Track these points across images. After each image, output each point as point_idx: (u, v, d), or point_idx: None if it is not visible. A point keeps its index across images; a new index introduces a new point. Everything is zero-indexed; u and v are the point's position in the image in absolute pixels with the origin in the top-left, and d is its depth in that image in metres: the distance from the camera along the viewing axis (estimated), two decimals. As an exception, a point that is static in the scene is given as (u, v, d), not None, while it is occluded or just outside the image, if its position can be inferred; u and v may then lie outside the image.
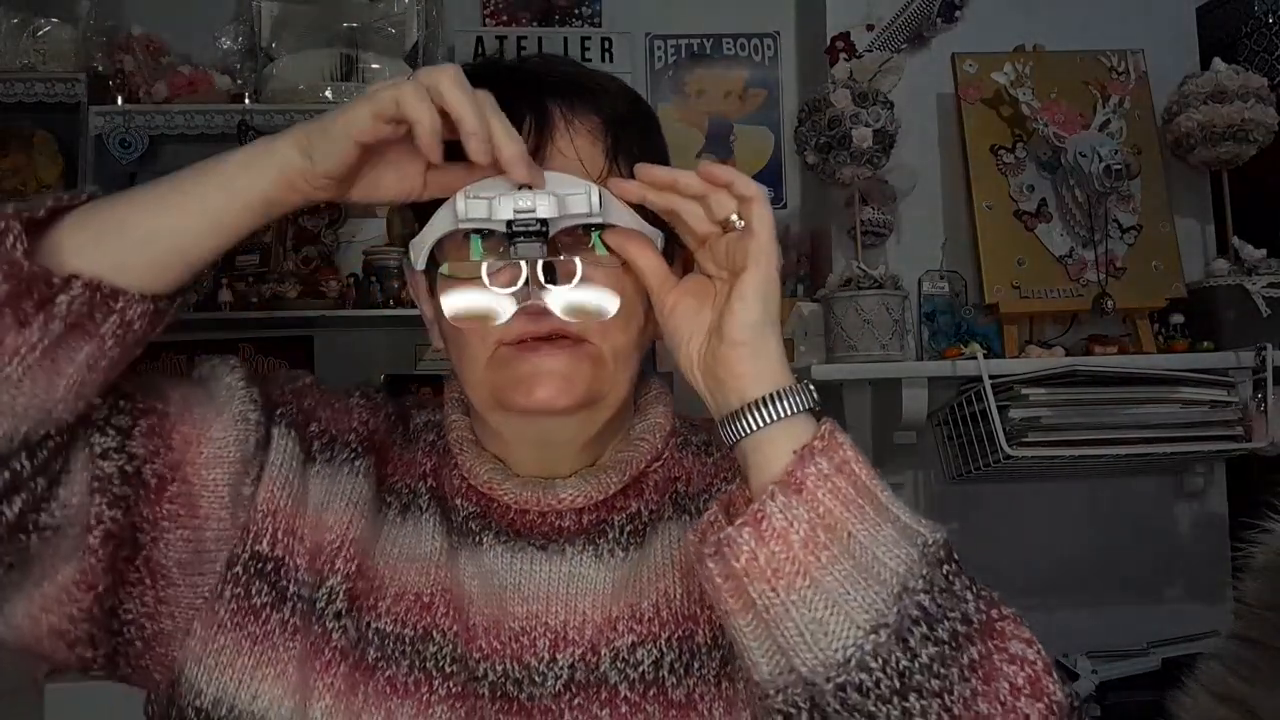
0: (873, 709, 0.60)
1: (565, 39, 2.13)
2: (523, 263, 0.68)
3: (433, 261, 0.74)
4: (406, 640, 0.73)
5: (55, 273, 0.62)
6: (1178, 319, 1.89)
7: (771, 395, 0.66)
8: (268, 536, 0.72)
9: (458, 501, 0.80)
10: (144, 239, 0.66)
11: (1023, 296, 1.87)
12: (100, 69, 1.94)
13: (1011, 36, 1.99)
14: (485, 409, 0.77)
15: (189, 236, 0.67)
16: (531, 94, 0.75)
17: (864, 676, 0.60)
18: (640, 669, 0.73)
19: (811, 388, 0.68)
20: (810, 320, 1.89)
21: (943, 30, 2.03)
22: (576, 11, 2.17)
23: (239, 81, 1.99)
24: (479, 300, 0.70)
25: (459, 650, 0.73)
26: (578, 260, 0.70)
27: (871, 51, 1.92)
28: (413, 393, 1.82)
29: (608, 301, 0.71)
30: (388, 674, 0.72)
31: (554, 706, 0.72)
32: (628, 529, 0.79)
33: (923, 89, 1.99)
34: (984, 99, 1.94)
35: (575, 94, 0.77)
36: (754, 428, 0.66)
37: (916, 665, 0.60)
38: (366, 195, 0.71)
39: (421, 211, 0.74)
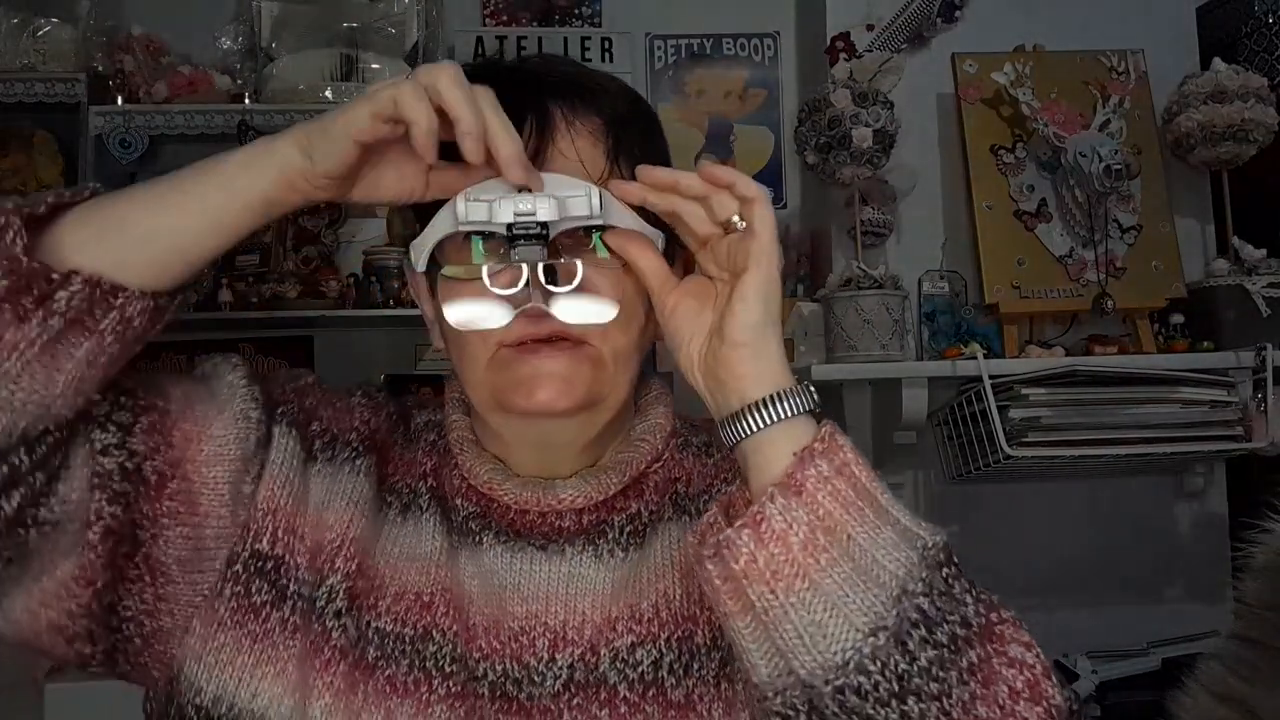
0: (871, 712, 0.60)
1: (565, 39, 2.13)
2: (523, 265, 0.68)
3: (433, 263, 0.74)
4: (406, 639, 0.73)
5: (55, 268, 0.62)
6: (1178, 319, 1.89)
7: (772, 396, 0.66)
8: (268, 535, 0.72)
9: (458, 501, 0.80)
10: (144, 237, 0.66)
11: (1023, 296, 1.87)
12: (100, 69, 1.94)
13: (1011, 36, 1.98)
14: (486, 410, 0.77)
15: (189, 235, 0.67)
16: (532, 95, 0.75)
17: (862, 679, 0.60)
18: (639, 669, 0.72)
19: (812, 389, 0.68)
20: (810, 320, 1.89)
21: (943, 30, 2.03)
22: (576, 11, 2.17)
23: (239, 81, 1.99)
24: (482, 310, 0.70)
25: (459, 650, 0.73)
26: (579, 262, 0.70)
27: (871, 51, 1.92)
28: (413, 393, 1.80)
29: (606, 310, 0.71)
30: (387, 673, 0.72)
31: (553, 706, 0.72)
32: (627, 530, 0.78)
33: (923, 89, 1.99)
34: (984, 99, 1.94)
35: (576, 95, 0.76)
36: (754, 429, 0.66)
37: (915, 668, 0.60)
38: (367, 195, 0.71)
39: (422, 212, 0.73)
